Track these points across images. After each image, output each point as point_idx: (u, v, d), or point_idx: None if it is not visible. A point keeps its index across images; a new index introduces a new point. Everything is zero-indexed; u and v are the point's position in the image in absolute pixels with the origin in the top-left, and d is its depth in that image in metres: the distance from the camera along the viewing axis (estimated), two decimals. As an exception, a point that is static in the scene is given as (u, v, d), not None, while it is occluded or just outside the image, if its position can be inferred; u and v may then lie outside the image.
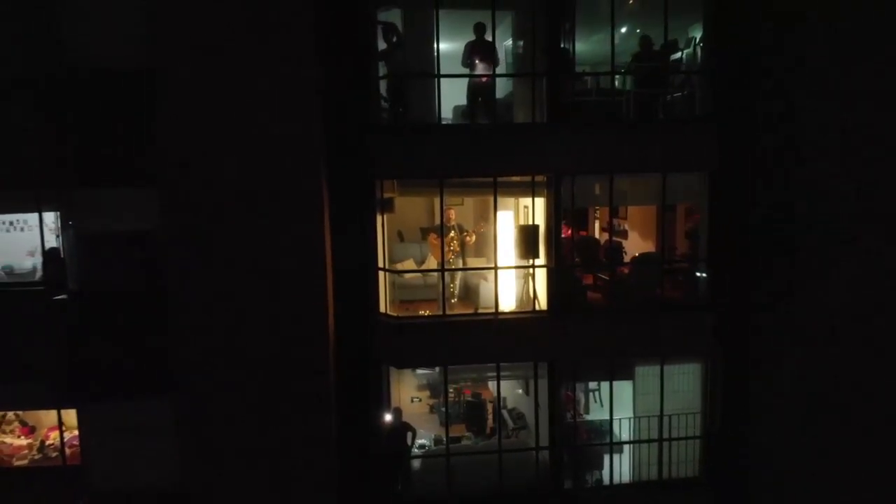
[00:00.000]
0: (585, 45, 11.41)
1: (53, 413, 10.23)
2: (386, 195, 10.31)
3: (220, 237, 9.05)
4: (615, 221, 13.39)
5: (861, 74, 9.31)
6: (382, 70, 10.08)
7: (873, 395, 9.78)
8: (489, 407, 11.71)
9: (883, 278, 9.43)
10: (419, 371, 12.76)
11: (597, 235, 13.09)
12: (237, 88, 8.88)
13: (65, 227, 9.50)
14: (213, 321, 9.16)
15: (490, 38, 10.08)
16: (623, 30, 11.45)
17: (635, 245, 12.85)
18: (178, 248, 9.08)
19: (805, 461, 9.92)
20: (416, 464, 10.59)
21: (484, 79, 10.08)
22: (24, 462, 10.19)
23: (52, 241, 9.77)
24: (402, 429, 10.33)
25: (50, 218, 9.74)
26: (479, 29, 9.99)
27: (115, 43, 9.12)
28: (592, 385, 11.54)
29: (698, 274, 10.82)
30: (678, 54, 11.06)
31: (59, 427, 9.86)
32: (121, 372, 9.47)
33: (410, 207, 12.96)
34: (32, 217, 10.06)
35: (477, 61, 10.09)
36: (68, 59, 9.14)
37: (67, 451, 9.92)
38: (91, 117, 9.20)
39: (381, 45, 9.97)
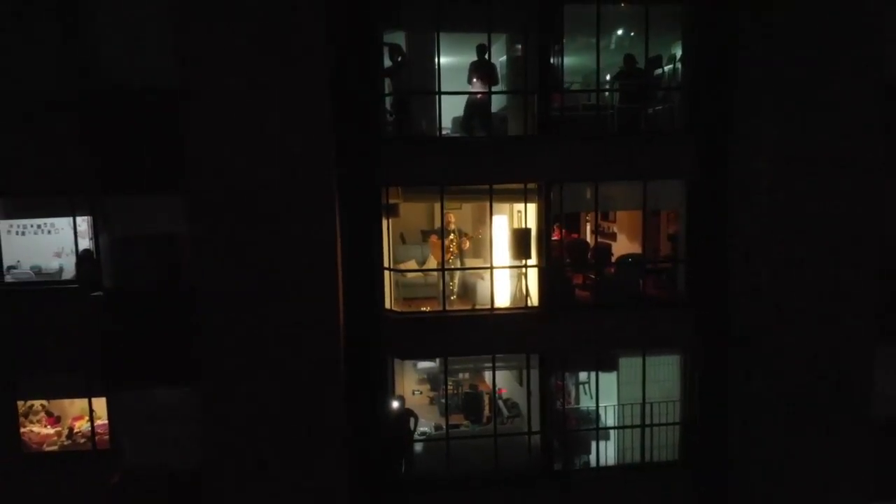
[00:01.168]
0: (574, 60, 11.92)
1: (78, 404, 10.73)
2: (391, 201, 10.76)
3: (240, 240, 9.41)
4: (606, 225, 14.12)
5: (833, 89, 9.92)
6: (388, 87, 10.59)
7: (843, 379, 10.46)
8: (485, 398, 12.23)
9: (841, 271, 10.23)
10: (420, 366, 13.16)
11: (588, 238, 13.37)
12: (257, 104, 9.23)
13: (99, 230, 9.93)
14: (233, 316, 9.51)
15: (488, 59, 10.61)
16: (613, 39, 11.95)
17: (623, 247, 13.24)
18: (203, 249, 9.47)
19: (779, 444, 10.44)
20: (418, 447, 11.14)
21: (479, 96, 10.60)
22: (55, 448, 10.62)
23: (81, 243, 10.21)
24: (406, 414, 10.89)
25: (78, 221, 10.13)
26: (481, 50, 10.53)
27: (145, 61, 9.52)
28: (583, 377, 11.92)
29: (679, 273, 11.31)
30: (660, 70, 11.60)
31: (90, 414, 10.34)
32: (148, 363, 9.98)
33: (413, 212, 13.35)
34: (59, 221, 10.49)
35: (475, 80, 10.64)
36: (102, 76, 9.58)
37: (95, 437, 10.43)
38: (123, 129, 9.64)
39: (388, 64, 10.48)
